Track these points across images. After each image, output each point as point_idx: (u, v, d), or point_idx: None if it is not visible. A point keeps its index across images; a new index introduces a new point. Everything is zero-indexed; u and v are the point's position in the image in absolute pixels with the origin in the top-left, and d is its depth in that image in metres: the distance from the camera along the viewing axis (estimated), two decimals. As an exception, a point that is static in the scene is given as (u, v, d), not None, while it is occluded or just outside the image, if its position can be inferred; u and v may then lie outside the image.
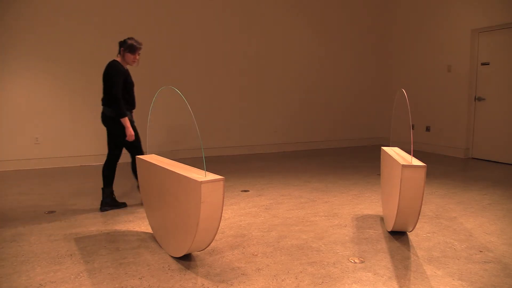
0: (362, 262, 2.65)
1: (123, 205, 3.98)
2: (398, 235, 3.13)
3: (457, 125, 6.81)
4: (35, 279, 2.42)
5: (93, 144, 6.31)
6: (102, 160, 6.33)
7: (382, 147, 3.60)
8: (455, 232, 3.21)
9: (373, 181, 5.02)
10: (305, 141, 7.82)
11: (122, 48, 3.81)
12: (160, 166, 2.76)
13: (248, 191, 4.56)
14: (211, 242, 2.54)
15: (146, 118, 6.53)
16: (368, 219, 3.54)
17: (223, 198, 2.38)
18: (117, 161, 3.94)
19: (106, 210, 3.84)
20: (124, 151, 3.95)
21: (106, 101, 3.76)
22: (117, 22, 6.28)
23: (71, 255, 2.78)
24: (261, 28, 7.26)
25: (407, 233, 3.16)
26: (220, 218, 2.42)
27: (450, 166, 5.99)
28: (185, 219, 2.49)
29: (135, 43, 3.79)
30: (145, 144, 6.38)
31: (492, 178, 5.10)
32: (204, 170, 2.48)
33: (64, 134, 6.13)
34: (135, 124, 3.95)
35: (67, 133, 6.15)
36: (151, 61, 6.54)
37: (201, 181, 2.28)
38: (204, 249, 2.64)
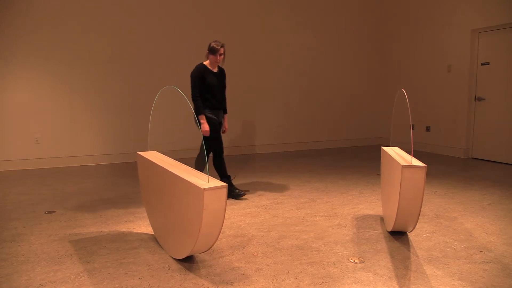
0: (362, 262, 2.65)
1: (240, 193, 4.23)
2: (398, 235, 3.13)
3: (457, 125, 6.81)
4: (35, 279, 2.42)
5: (92, 144, 6.31)
6: (102, 160, 6.41)
7: (382, 147, 3.60)
8: (455, 232, 3.21)
9: (373, 181, 5.02)
10: (305, 141, 7.82)
11: (207, 51, 4.16)
12: (162, 167, 2.74)
13: (248, 191, 4.55)
14: (213, 245, 2.53)
15: (148, 117, 6.55)
16: (368, 219, 3.54)
17: (226, 204, 2.37)
18: (221, 152, 4.25)
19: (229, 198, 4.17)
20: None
21: None
22: (118, 23, 6.29)
23: (71, 255, 2.78)
24: (261, 29, 7.26)
25: (407, 233, 3.16)
26: (222, 223, 2.41)
27: (450, 166, 5.99)
28: (187, 224, 2.48)
29: (215, 45, 4.10)
30: (146, 143, 6.39)
31: (492, 178, 5.10)
32: (207, 174, 2.46)
33: (64, 134, 6.13)
34: (224, 123, 4.36)
35: (67, 133, 6.15)
36: (152, 62, 6.54)
37: (204, 188, 2.25)
38: (206, 251, 2.64)
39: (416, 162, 2.85)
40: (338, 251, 2.83)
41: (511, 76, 6.04)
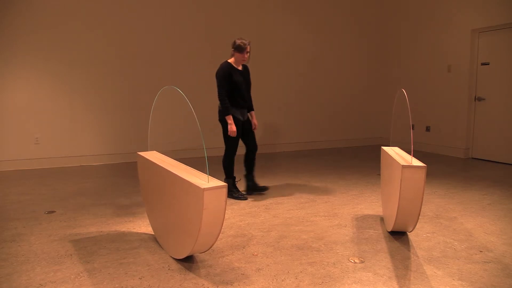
0: (362, 262, 2.65)
1: (242, 196, 4.26)
2: (398, 235, 3.13)
3: (457, 125, 6.81)
4: (35, 279, 2.42)
5: (93, 144, 6.31)
6: (102, 160, 6.40)
7: (382, 147, 3.60)
8: (455, 232, 3.21)
9: (373, 181, 5.02)
10: (305, 141, 7.82)
11: (232, 49, 4.11)
12: (162, 167, 2.74)
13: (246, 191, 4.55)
14: (213, 244, 2.53)
15: (148, 117, 6.55)
16: (368, 219, 3.54)
17: (226, 204, 2.37)
18: (234, 153, 4.29)
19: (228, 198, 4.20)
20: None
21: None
22: (118, 23, 6.29)
23: (71, 255, 2.78)
24: (260, 28, 7.26)
25: (407, 233, 3.16)
26: (222, 223, 2.41)
27: (450, 166, 5.99)
28: (187, 224, 2.48)
29: (241, 43, 4.05)
30: (146, 143, 6.39)
31: (492, 178, 5.10)
32: (207, 174, 2.46)
33: (64, 134, 6.13)
34: (253, 120, 4.35)
35: (67, 133, 6.15)
36: (152, 62, 6.54)
37: (204, 188, 2.25)
38: (206, 251, 2.64)
39: (416, 162, 2.85)
40: (338, 251, 2.83)
41: (511, 76, 6.04)
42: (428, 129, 7.35)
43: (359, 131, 8.31)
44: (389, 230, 3.16)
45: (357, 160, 6.62)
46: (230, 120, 4.02)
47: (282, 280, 2.40)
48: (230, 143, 4.18)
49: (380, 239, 3.06)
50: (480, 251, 2.82)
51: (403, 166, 2.74)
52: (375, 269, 2.55)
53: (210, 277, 2.44)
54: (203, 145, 7.02)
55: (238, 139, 4.19)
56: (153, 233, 3.16)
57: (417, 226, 3.28)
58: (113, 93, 6.36)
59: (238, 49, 4.03)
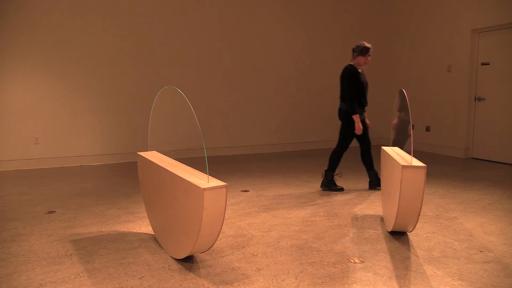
0: (362, 262, 2.65)
1: (340, 189, 4.52)
2: (398, 235, 3.13)
3: (457, 125, 6.81)
4: (35, 279, 2.42)
5: (93, 144, 6.31)
6: (102, 160, 6.41)
7: (382, 147, 3.60)
8: (455, 232, 3.21)
9: (373, 181, 5.01)
10: (305, 141, 7.82)
11: (354, 53, 4.37)
12: (162, 167, 2.74)
13: (248, 191, 4.56)
14: (213, 244, 2.53)
15: (148, 117, 6.55)
16: (368, 219, 3.54)
17: (226, 204, 2.37)
18: (345, 150, 4.55)
19: (325, 190, 4.54)
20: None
21: (342, 99, 4.41)
22: (118, 22, 6.29)
23: (71, 255, 2.78)
24: (260, 28, 7.26)
25: (407, 233, 3.16)
26: (222, 223, 2.41)
27: (450, 166, 5.99)
28: (187, 224, 2.48)
29: (366, 46, 4.30)
30: (146, 143, 6.39)
31: (492, 178, 5.10)
32: (207, 174, 2.46)
33: (64, 134, 6.13)
34: (366, 119, 4.56)
35: (67, 133, 6.15)
36: (151, 62, 6.54)
37: (204, 188, 2.25)
38: (206, 251, 2.64)
39: (416, 162, 2.85)
40: (338, 251, 2.83)
41: (511, 76, 6.04)
42: (428, 129, 7.35)
43: (359, 131, 8.30)
44: (389, 230, 3.16)
45: (357, 160, 6.60)
46: (357, 118, 4.26)
47: (282, 280, 2.40)
48: (347, 140, 4.45)
49: (380, 239, 3.06)
50: (480, 251, 2.82)
51: (403, 166, 2.74)
52: (375, 269, 2.55)
53: (210, 277, 2.44)
54: (203, 145, 7.02)
55: (353, 138, 4.43)
56: (153, 233, 3.16)
57: (417, 226, 3.28)
58: (113, 93, 6.37)
59: (362, 52, 4.27)
